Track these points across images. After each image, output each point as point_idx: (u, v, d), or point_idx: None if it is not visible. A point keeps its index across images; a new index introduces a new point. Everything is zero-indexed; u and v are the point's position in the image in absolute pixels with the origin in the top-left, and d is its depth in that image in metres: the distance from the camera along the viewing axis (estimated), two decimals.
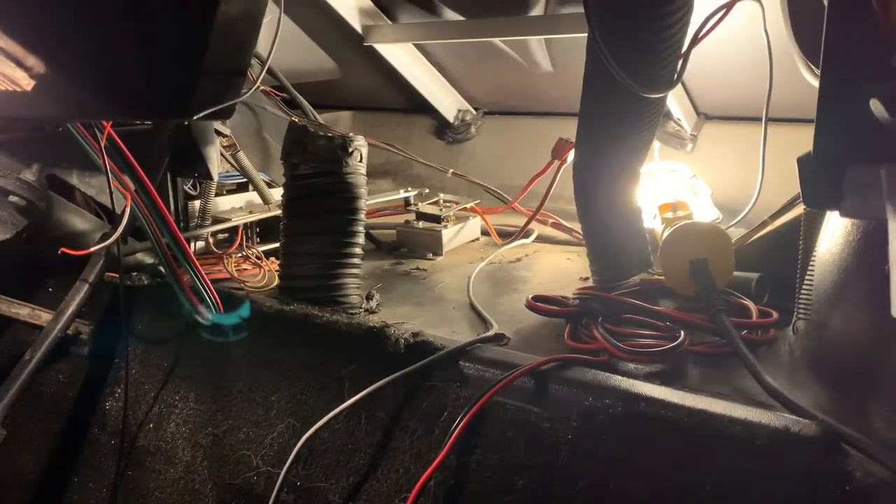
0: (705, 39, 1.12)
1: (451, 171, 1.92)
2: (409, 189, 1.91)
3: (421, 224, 1.73)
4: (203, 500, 1.19)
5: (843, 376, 0.92)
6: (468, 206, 1.81)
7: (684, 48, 1.10)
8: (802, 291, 1.02)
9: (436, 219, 1.72)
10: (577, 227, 1.41)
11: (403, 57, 2.11)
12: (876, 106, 0.74)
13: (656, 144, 1.68)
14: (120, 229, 1.22)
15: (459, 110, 2.29)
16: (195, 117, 0.89)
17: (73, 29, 0.90)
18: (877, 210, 0.80)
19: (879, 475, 0.75)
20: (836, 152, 0.83)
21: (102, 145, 1.14)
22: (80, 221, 1.42)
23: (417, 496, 0.94)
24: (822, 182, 0.85)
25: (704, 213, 1.57)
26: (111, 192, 1.22)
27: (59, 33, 0.93)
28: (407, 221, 1.77)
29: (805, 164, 0.87)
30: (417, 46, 2.11)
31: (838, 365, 0.93)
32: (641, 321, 1.15)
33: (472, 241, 1.80)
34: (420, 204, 1.81)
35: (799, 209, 1.14)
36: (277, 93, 1.80)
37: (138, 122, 1.37)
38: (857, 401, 0.87)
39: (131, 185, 1.21)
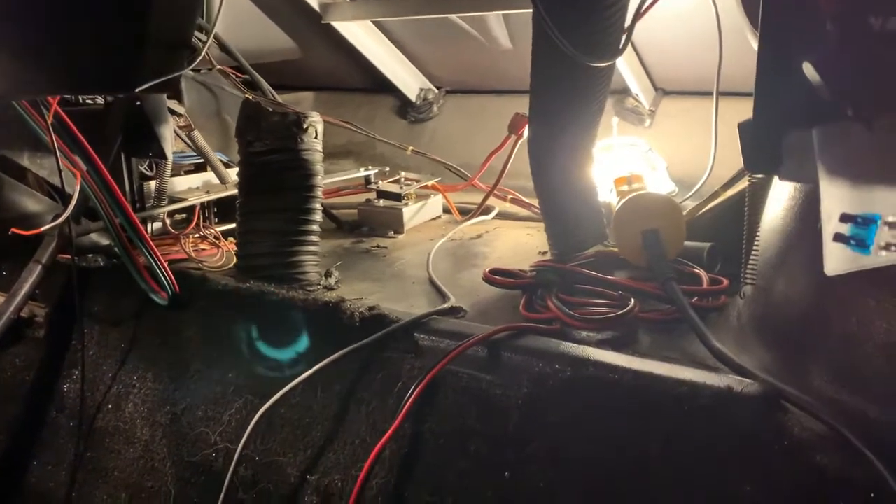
0: (662, 14, 1.13)
1: (411, 148, 1.92)
2: (370, 167, 1.90)
3: (382, 202, 1.73)
4: (162, 478, 1.19)
5: (785, 338, 0.94)
6: (429, 183, 1.81)
7: (629, 18, 1.11)
8: (750, 258, 1.04)
9: (396, 197, 1.72)
10: (537, 202, 1.42)
11: (363, 35, 2.10)
12: (808, 69, 0.76)
13: (614, 120, 1.70)
14: (69, 209, 1.20)
15: (422, 89, 2.28)
16: (139, 89, 0.88)
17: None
18: (813, 173, 0.82)
19: (816, 430, 0.78)
20: (775, 117, 0.85)
21: (49, 123, 1.12)
22: (32, 203, 1.39)
23: (372, 465, 0.95)
24: (761, 146, 0.87)
25: (660, 186, 1.59)
26: (60, 172, 1.20)
27: None
28: (368, 200, 1.76)
29: (745, 130, 0.89)
30: (377, 24, 2.10)
31: (782, 327, 0.95)
32: (595, 291, 1.16)
33: (434, 218, 1.80)
34: (381, 182, 1.81)
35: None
36: (238, 73, 1.78)
37: (85, 98, 1.35)
38: (799, 360, 0.89)
39: (82, 165, 1.19)
